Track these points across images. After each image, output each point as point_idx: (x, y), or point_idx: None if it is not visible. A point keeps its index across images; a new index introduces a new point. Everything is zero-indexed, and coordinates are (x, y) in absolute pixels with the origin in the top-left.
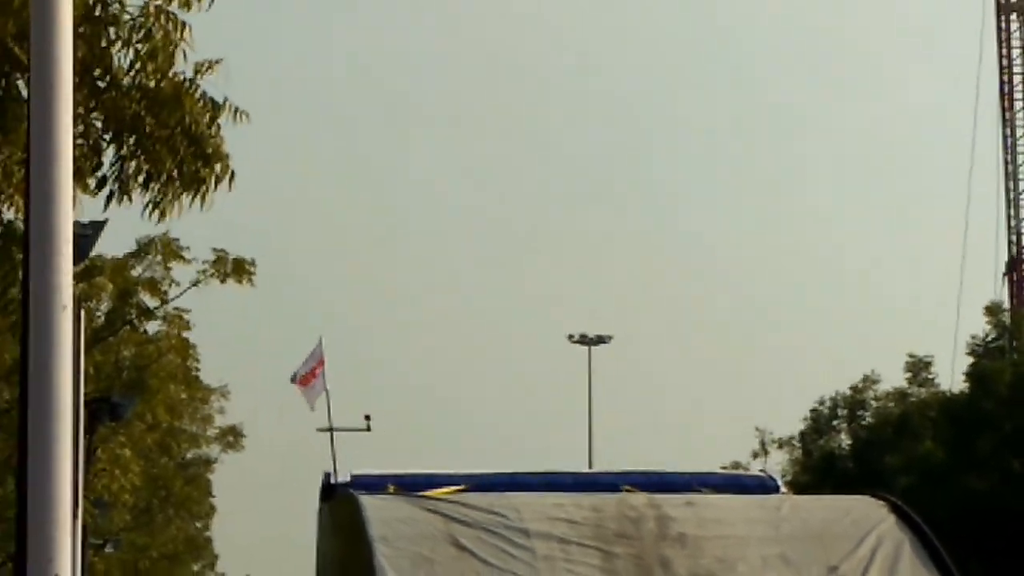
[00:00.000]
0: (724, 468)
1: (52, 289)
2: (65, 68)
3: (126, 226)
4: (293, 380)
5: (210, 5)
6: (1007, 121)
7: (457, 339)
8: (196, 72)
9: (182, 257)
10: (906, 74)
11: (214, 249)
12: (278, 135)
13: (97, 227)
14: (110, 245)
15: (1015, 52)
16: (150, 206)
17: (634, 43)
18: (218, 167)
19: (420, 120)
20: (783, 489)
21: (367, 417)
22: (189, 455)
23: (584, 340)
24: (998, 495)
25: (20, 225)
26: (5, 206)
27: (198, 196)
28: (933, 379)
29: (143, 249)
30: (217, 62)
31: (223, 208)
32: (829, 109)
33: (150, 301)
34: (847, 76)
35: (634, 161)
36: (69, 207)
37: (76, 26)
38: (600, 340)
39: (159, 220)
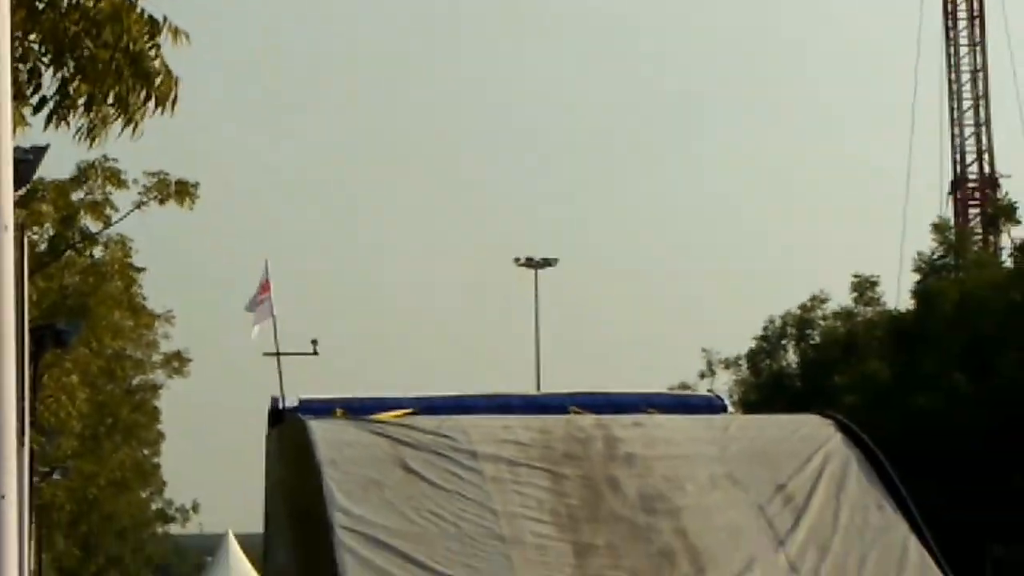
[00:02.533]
0: (671, 389)
1: None
2: None
3: (67, 151)
4: (248, 308)
5: None
6: (951, 40)
7: (404, 263)
8: None
9: (122, 181)
10: None
11: (152, 174)
12: (221, 59)
13: (38, 152)
14: (51, 170)
15: None
16: (85, 128)
17: None
18: (162, 86)
19: (365, 39)
20: (731, 409)
21: (314, 341)
22: (135, 381)
23: (531, 263)
24: (943, 413)
25: None
26: None
27: (136, 117)
28: (879, 298)
29: (84, 174)
30: None
31: (168, 134)
32: (774, 34)
33: (93, 225)
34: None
35: (581, 90)
36: (8, 130)
37: None
38: (547, 263)
39: (93, 143)
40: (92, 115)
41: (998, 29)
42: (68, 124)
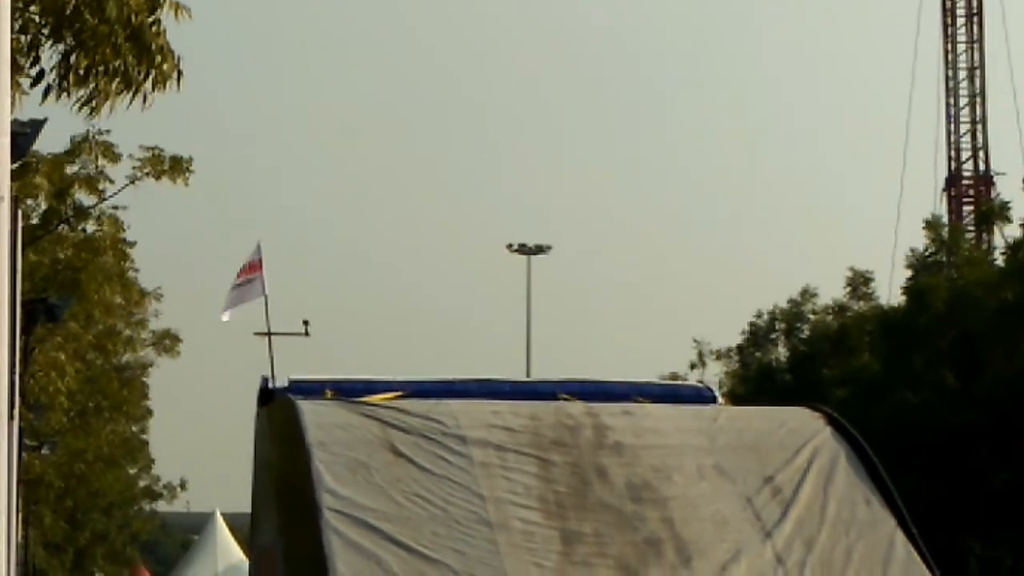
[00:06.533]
0: (662, 378)
1: None
2: None
3: (62, 125)
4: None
5: None
6: (949, 37)
7: (398, 247)
8: None
9: (116, 155)
10: None
11: (147, 147)
12: (221, 34)
13: (36, 126)
14: (46, 144)
15: None
16: (83, 101)
17: None
18: (164, 65)
19: (362, 23)
20: (720, 400)
21: (305, 322)
22: (125, 358)
23: (523, 249)
24: (932, 408)
25: None
26: None
27: (138, 93)
28: (872, 293)
29: (77, 148)
30: None
31: (165, 111)
32: (771, 29)
33: (86, 199)
34: None
35: (577, 78)
36: (7, 100)
37: None
38: (540, 249)
39: (91, 115)
40: (92, 87)
41: (996, 27)
42: (69, 95)
